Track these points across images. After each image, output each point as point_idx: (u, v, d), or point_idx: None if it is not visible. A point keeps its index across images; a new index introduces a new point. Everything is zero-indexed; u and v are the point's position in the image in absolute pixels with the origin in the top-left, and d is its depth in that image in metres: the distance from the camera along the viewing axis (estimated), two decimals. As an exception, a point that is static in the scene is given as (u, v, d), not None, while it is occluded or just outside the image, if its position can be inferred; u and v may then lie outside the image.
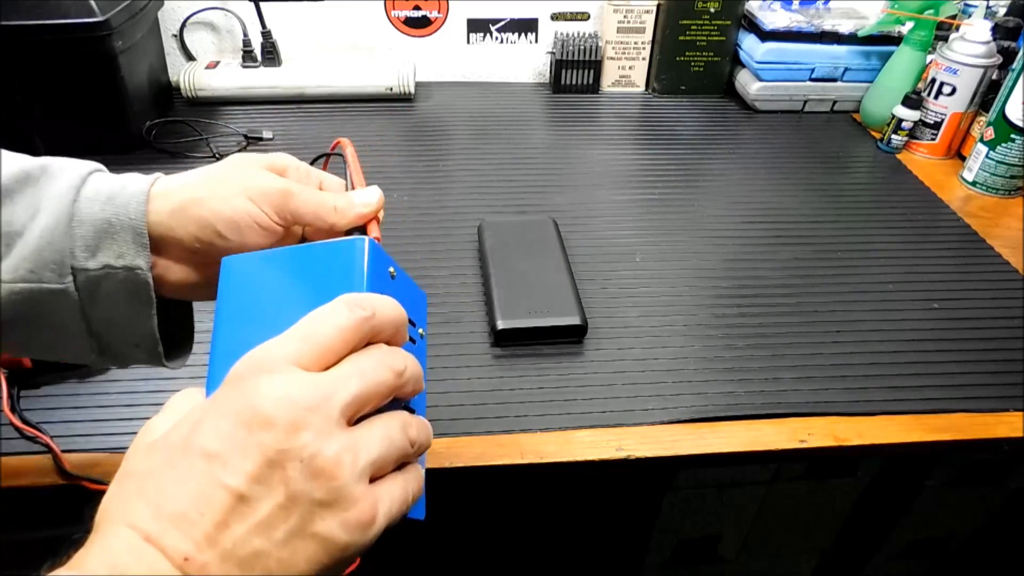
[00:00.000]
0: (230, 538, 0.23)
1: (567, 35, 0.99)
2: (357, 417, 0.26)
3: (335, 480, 0.24)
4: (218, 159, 0.80)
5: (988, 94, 0.84)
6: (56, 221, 0.31)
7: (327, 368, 0.25)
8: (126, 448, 0.26)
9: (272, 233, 0.35)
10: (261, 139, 0.85)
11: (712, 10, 0.95)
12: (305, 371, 0.25)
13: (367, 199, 0.37)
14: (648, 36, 0.99)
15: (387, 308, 0.27)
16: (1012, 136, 0.78)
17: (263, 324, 0.28)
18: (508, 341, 0.58)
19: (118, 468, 0.25)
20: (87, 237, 0.32)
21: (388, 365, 0.26)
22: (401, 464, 0.27)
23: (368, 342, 0.27)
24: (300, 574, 0.24)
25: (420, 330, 0.33)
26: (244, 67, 0.94)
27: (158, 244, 0.33)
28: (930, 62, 0.88)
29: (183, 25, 0.95)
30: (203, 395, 0.28)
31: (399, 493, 0.26)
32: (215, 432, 0.23)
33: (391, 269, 0.31)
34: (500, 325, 0.57)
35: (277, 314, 0.28)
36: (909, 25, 0.88)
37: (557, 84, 1.01)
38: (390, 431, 0.26)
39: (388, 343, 0.28)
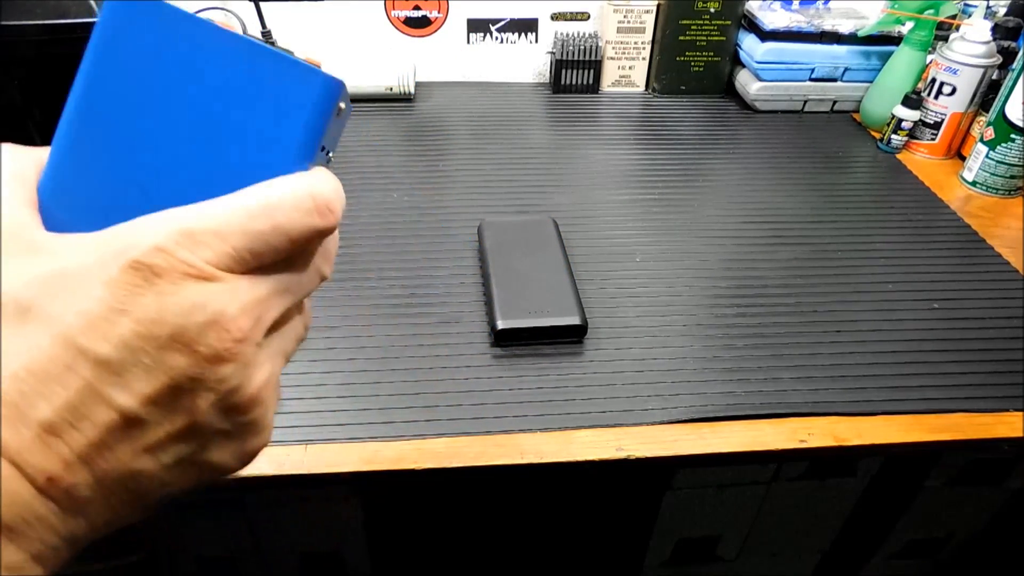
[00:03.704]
0: (109, 459, 0.19)
1: (567, 35, 0.99)
2: None
3: (250, 414, 0.21)
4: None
5: (988, 94, 0.84)
6: None
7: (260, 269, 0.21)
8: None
9: None
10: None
11: (712, 10, 0.95)
12: (239, 278, 0.20)
13: None
14: (648, 36, 0.99)
15: (342, 201, 0.22)
16: (1012, 136, 0.78)
17: (159, 125, 0.21)
18: (508, 341, 0.58)
19: None
20: None
21: (322, 274, 0.23)
22: None
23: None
24: (174, 491, 0.21)
25: (330, 154, 0.25)
26: (244, 67, 0.94)
27: None
28: (930, 62, 0.88)
29: (183, 25, 0.95)
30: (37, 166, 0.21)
31: (276, 402, 0.23)
32: (112, 336, 0.18)
33: (341, 104, 0.22)
34: (500, 325, 0.57)
35: (183, 119, 0.21)
36: (909, 25, 0.88)
37: (557, 84, 1.01)
38: (293, 342, 0.23)
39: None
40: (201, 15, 1.01)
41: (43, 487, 0.18)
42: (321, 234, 0.21)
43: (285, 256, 0.21)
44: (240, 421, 0.21)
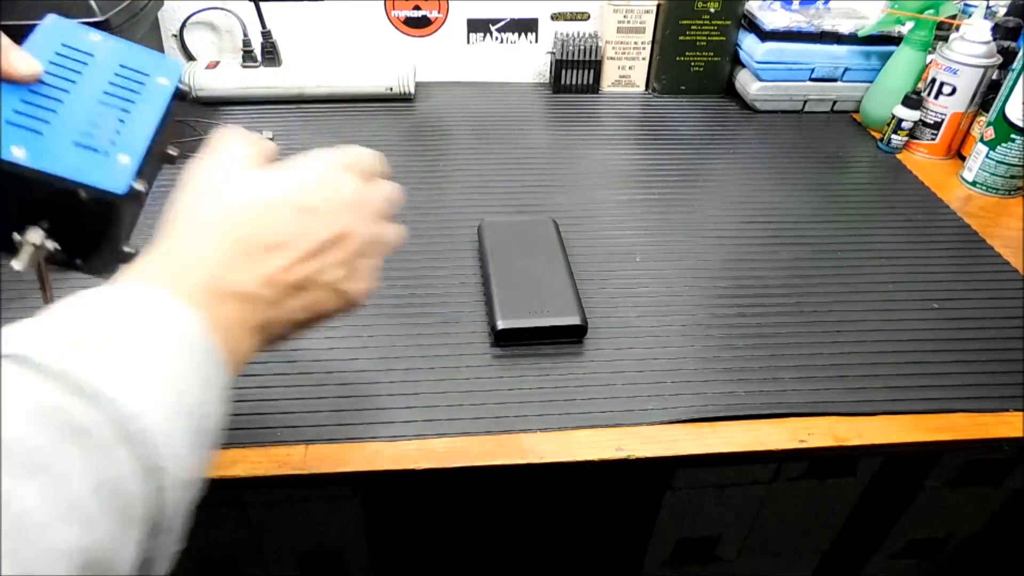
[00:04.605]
0: (301, 271, 0.33)
1: (567, 35, 0.99)
2: None
3: (377, 256, 0.38)
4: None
5: (988, 94, 0.84)
6: None
7: None
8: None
9: None
10: (261, 139, 0.85)
11: (712, 10, 0.95)
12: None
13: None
14: (648, 36, 0.99)
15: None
16: (1012, 136, 0.78)
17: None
18: (508, 341, 0.58)
19: None
20: None
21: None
22: None
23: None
24: (311, 317, 0.35)
25: (161, 79, 0.39)
26: (244, 67, 0.94)
27: None
28: (930, 62, 0.88)
29: (183, 25, 0.95)
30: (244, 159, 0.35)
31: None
32: (279, 224, 0.33)
33: (93, 35, 0.37)
34: (500, 325, 0.57)
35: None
36: (909, 25, 0.88)
37: (557, 84, 1.01)
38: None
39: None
40: (202, 15, 1.01)
41: (261, 284, 0.32)
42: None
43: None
44: (371, 263, 0.38)
